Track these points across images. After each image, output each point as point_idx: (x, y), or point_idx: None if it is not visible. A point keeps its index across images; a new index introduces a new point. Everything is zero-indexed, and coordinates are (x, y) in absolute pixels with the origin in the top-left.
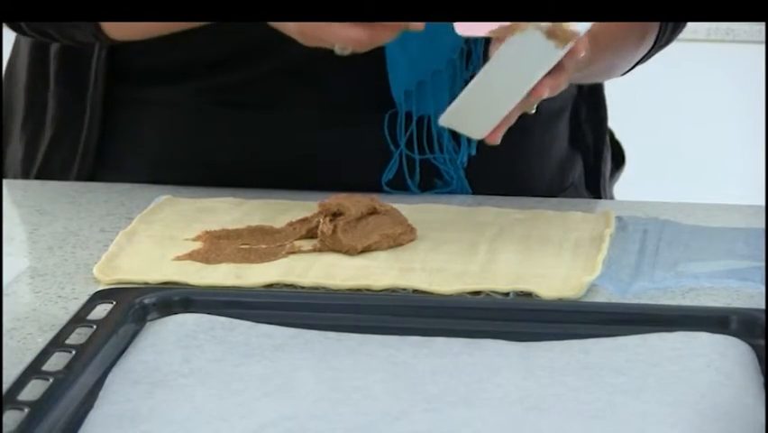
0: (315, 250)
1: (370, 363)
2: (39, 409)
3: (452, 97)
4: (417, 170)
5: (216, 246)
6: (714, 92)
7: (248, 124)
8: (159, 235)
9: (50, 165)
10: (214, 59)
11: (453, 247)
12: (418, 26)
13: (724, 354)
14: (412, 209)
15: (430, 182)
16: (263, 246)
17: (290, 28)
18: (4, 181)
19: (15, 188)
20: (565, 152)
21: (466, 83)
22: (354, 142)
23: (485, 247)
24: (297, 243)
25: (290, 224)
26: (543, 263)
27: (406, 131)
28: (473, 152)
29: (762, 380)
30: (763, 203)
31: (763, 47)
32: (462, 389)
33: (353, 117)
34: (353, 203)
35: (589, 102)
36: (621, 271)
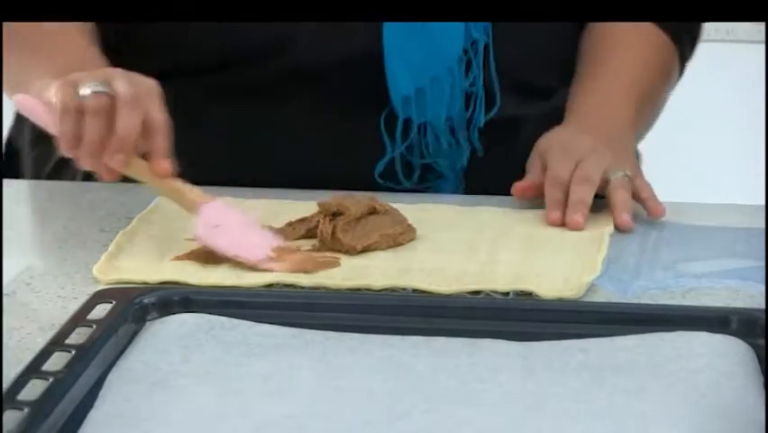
0: (314, 250)
1: (371, 363)
2: (39, 409)
3: (451, 105)
4: (417, 172)
5: None
6: (714, 92)
7: (249, 119)
8: (158, 235)
9: (61, 166)
10: (219, 60)
11: (453, 247)
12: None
13: (724, 354)
14: (412, 209)
15: (424, 178)
16: None
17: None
18: (5, 181)
19: (15, 188)
20: None
21: (465, 92)
22: (352, 137)
23: (485, 247)
24: (297, 243)
25: (289, 224)
26: (543, 263)
27: (404, 135)
28: (480, 153)
29: (762, 380)
30: (763, 203)
31: (763, 47)
32: (462, 389)
33: (352, 115)
34: (353, 203)
35: None
36: (621, 270)
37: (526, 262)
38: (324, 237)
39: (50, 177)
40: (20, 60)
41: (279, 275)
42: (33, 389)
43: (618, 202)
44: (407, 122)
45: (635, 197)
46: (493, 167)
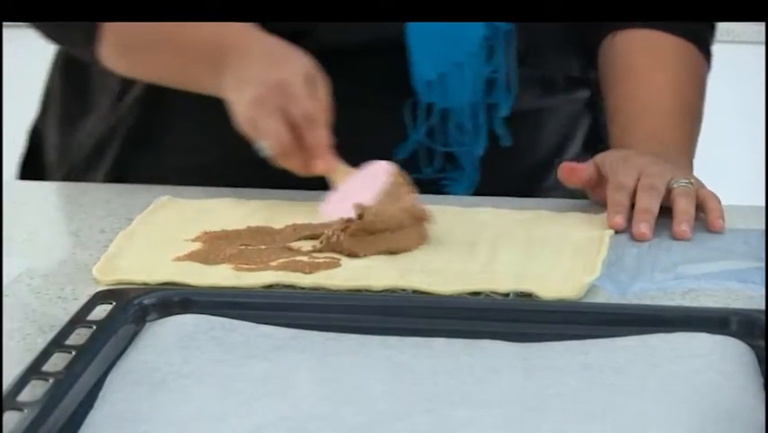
0: (315, 250)
1: (370, 364)
2: (39, 409)
3: (473, 90)
4: (440, 160)
5: (216, 247)
6: (714, 92)
7: None
8: (158, 236)
9: (87, 149)
10: None
11: (453, 248)
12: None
13: (724, 355)
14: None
15: (443, 168)
16: (263, 247)
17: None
18: (4, 181)
19: (15, 188)
20: (578, 156)
21: (486, 78)
22: (374, 121)
23: (485, 248)
24: (297, 243)
25: (292, 225)
26: (543, 264)
27: (426, 120)
28: (507, 142)
29: (761, 380)
30: (763, 203)
31: (763, 47)
32: (462, 389)
33: (375, 99)
34: (384, 219)
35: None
36: (621, 271)
37: (526, 262)
38: (329, 242)
39: (79, 167)
40: (168, 59)
41: (279, 275)
42: (33, 390)
43: (681, 211)
44: (430, 106)
45: (700, 206)
46: (509, 159)
